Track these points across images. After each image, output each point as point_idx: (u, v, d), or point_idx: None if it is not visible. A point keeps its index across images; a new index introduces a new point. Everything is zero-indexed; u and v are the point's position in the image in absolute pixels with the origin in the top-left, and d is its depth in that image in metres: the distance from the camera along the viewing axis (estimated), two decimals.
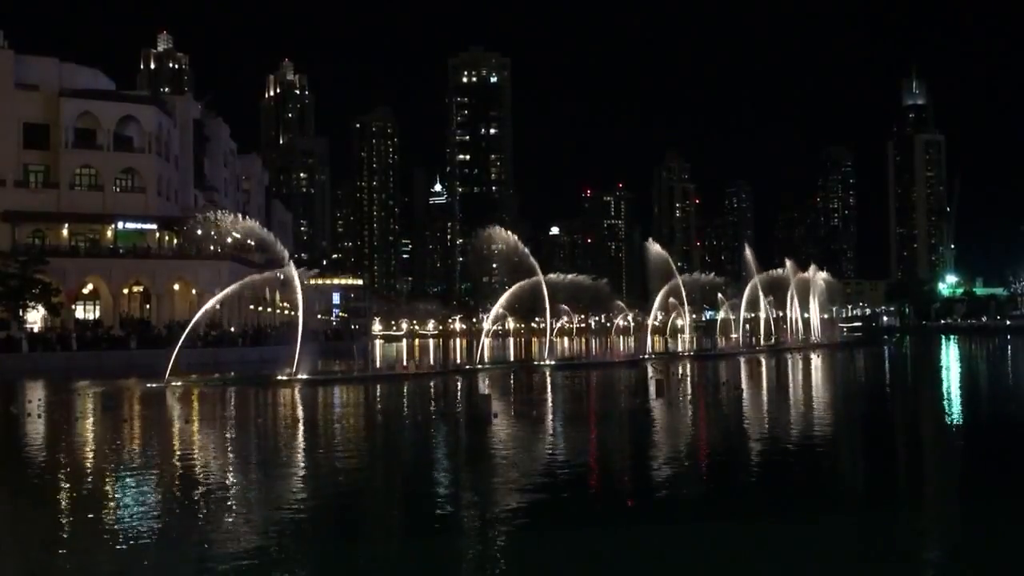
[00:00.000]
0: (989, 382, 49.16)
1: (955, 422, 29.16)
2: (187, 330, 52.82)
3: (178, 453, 23.83)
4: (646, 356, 72.60)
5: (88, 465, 21.72)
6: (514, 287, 67.34)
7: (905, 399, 40.13)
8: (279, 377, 48.06)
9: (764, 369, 58.54)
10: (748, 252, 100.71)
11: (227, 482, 19.35)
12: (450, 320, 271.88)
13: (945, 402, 36.45)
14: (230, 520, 15.45)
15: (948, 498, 17.67)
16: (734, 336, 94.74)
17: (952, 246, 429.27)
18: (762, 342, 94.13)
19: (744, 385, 43.66)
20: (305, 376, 48.25)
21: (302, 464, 22.05)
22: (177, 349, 49.02)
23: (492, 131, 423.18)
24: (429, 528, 14.91)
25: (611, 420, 31.16)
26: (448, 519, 15.65)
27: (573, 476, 19.08)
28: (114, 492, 18.20)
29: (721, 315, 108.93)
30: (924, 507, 16.79)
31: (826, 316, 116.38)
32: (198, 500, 17.16)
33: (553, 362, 64.17)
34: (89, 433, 29.01)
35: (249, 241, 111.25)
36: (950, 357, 77.24)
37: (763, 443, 24.10)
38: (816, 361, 67.61)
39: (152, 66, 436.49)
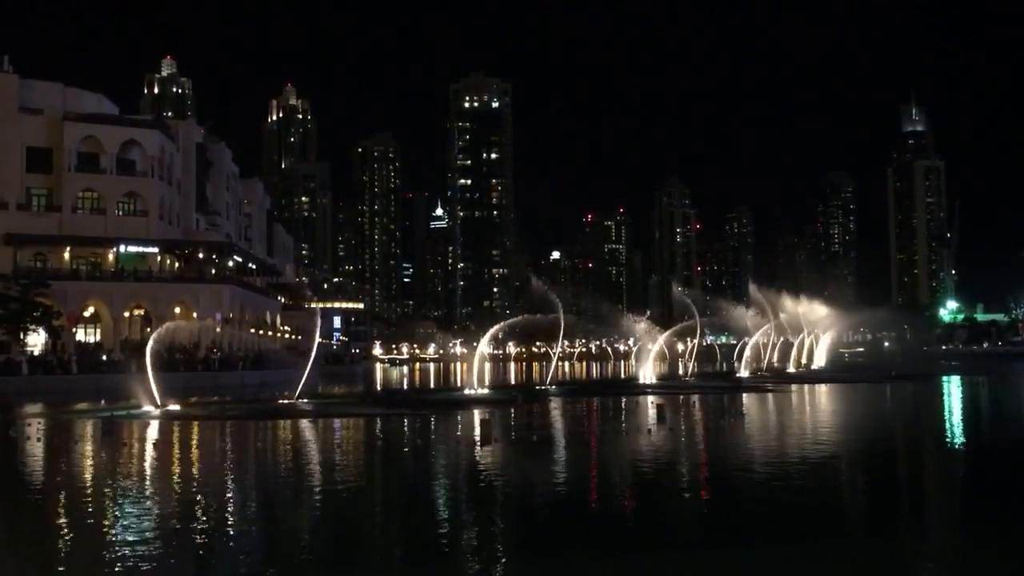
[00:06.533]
0: None
1: None
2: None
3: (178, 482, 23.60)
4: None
5: (85, 489, 21.47)
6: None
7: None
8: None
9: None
10: (753, 288, 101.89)
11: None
12: (451, 344, 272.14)
13: None
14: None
15: None
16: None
17: (953, 272, 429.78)
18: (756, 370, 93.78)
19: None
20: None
21: None
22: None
23: (493, 156, 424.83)
24: None
25: None
26: None
27: None
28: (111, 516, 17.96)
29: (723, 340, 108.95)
30: None
31: (828, 341, 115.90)
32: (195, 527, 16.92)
33: None
34: (87, 458, 28.77)
35: (250, 265, 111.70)
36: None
37: None
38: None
39: (156, 91, 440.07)
